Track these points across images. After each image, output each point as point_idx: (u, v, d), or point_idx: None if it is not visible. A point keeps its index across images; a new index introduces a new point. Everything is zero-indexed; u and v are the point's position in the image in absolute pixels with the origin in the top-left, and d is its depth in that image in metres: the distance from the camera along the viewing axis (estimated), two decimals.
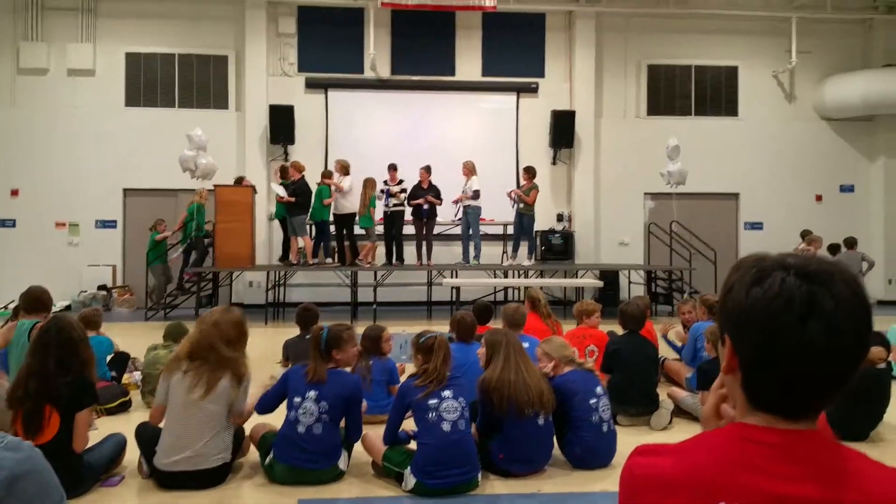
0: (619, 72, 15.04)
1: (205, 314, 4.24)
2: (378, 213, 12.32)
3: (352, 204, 11.99)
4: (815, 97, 15.28)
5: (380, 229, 12.51)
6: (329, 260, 12.15)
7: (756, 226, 15.25)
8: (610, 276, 13.12)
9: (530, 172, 12.48)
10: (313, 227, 12.38)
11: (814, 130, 15.36)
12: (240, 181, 12.48)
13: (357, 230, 12.23)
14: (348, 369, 4.44)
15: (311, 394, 4.06)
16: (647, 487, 1.02)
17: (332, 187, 11.79)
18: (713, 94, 15.26)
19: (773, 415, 1.01)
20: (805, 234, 12.58)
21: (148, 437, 4.05)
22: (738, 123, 15.23)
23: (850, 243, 12.24)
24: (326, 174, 11.98)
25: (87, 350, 3.97)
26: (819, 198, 15.39)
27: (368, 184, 12.03)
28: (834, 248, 12.34)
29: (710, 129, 14.99)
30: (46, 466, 0.87)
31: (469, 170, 12.20)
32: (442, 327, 5.79)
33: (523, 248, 12.77)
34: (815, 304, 0.95)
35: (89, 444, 3.97)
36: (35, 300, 5.45)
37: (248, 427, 4.40)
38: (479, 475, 4.08)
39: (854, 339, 0.96)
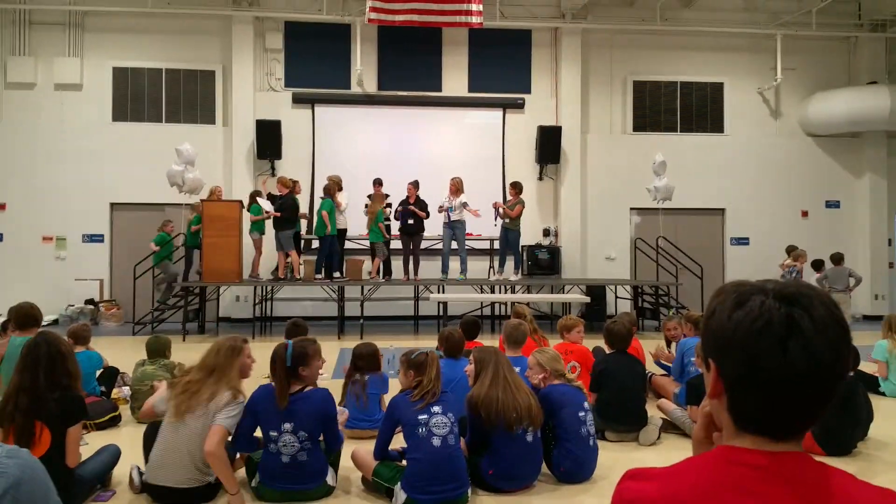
0: (605, 88, 15.19)
1: (221, 341, 4.17)
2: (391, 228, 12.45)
3: (345, 220, 12.03)
4: (801, 113, 15.48)
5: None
6: (336, 274, 12.06)
7: (742, 241, 15.38)
8: (597, 291, 13.17)
9: (517, 188, 12.54)
10: (313, 243, 12.28)
11: (799, 146, 15.55)
12: (255, 195, 12.29)
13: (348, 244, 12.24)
14: (320, 384, 4.39)
15: (287, 426, 3.96)
16: None
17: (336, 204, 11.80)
18: (699, 110, 15.43)
19: (758, 436, 1.02)
20: (790, 250, 12.68)
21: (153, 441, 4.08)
22: (723, 139, 15.39)
23: (837, 259, 12.30)
24: (329, 190, 11.91)
25: (74, 365, 3.97)
26: (805, 213, 15.55)
27: (377, 198, 12.08)
28: (818, 264, 12.38)
29: (695, 145, 15.15)
30: (44, 472, 0.88)
31: (456, 187, 12.22)
32: (429, 342, 5.81)
33: (509, 263, 12.81)
34: (794, 326, 0.98)
35: (81, 459, 3.96)
36: (25, 316, 5.45)
37: None
38: (469, 491, 4.07)
39: (832, 358, 0.98)
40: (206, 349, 4.14)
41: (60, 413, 3.77)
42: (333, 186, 11.84)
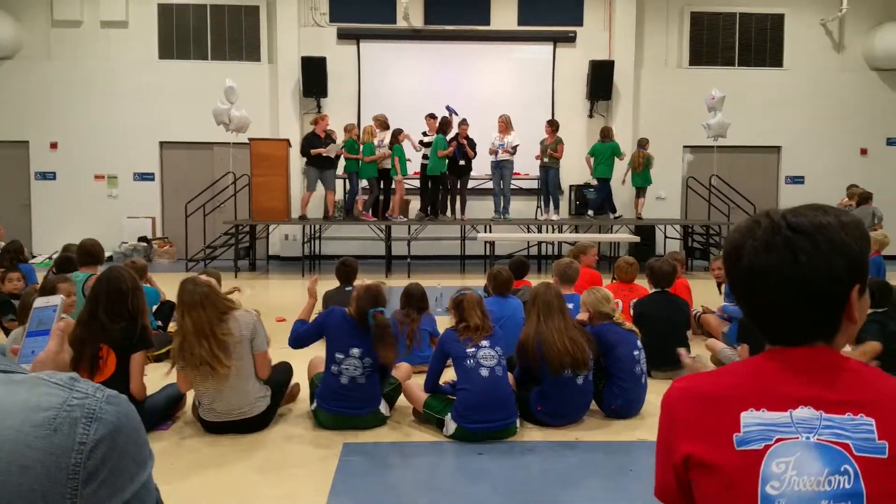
0: (660, 20, 14.60)
1: (181, 293, 4.08)
2: (412, 166, 12.22)
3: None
4: (866, 46, 14.70)
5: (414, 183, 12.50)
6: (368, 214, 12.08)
7: (797, 180, 14.89)
8: (646, 231, 12.96)
9: (553, 125, 12.31)
10: (353, 182, 12.24)
11: (862, 81, 14.82)
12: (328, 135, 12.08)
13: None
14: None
15: (355, 351, 4.12)
16: (683, 401, 1.17)
17: (375, 143, 11.72)
18: (758, 43, 14.76)
19: (775, 344, 1.17)
20: (850, 189, 12.22)
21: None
22: (782, 74, 14.75)
23: (865, 198, 11.86)
24: (369, 131, 11.82)
25: (139, 298, 4.08)
26: (864, 151, 14.93)
27: (394, 135, 11.91)
28: (861, 201, 11.94)
29: (753, 80, 14.55)
30: (140, 422, 0.87)
31: (506, 125, 12.03)
32: (474, 282, 5.81)
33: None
34: (771, 243, 1.13)
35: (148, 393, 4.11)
36: (86, 254, 5.67)
37: (305, 363, 4.56)
38: (518, 422, 4.13)
39: (822, 267, 1.10)
40: (178, 307, 4.06)
41: (125, 340, 3.92)
42: (398, 133, 11.78)
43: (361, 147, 11.70)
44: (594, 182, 13.02)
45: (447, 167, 11.97)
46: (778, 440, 1.07)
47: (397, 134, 11.79)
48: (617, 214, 12.93)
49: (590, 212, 12.93)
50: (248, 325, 4.03)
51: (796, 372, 1.12)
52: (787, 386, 1.11)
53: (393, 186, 12.15)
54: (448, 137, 11.79)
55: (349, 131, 11.88)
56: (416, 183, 12.51)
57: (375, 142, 11.73)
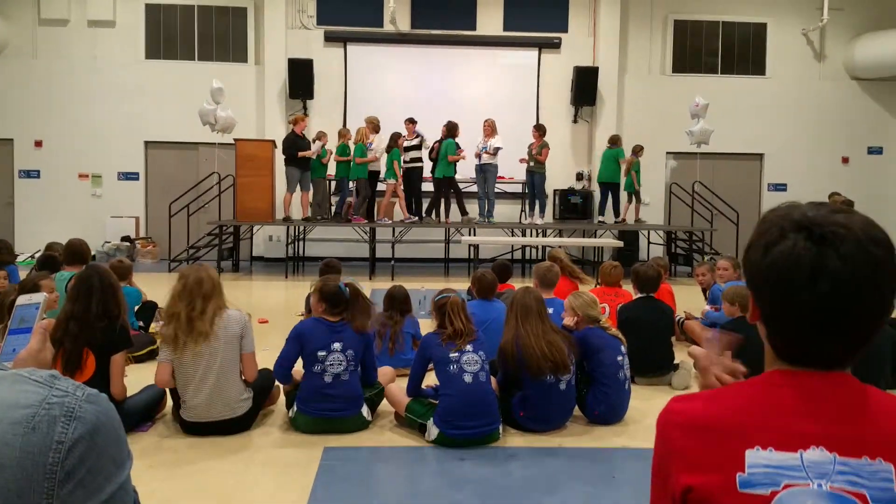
0: (644, 27, 14.73)
1: (183, 271, 4.20)
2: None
3: (380, 162, 11.97)
4: (846, 56, 14.91)
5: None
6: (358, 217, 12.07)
7: (780, 187, 15.05)
8: (629, 236, 13.05)
9: (540, 130, 12.41)
10: (343, 186, 12.21)
11: (843, 90, 15.03)
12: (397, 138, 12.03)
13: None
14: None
15: (336, 346, 4.13)
16: (681, 428, 1.06)
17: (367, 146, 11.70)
18: (741, 51, 14.92)
19: (797, 366, 1.06)
20: (832, 196, 12.39)
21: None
22: (765, 82, 14.92)
23: (848, 204, 12.03)
24: (363, 132, 11.78)
25: (122, 297, 4.11)
26: (846, 160, 15.13)
27: (393, 139, 11.90)
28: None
29: (735, 88, 14.71)
30: (120, 422, 0.86)
31: (491, 129, 12.09)
32: (459, 284, 5.83)
33: (538, 206, 12.74)
34: (821, 267, 0.99)
35: (126, 391, 4.09)
36: (74, 253, 5.66)
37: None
38: (501, 428, 4.13)
39: (858, 295, 0.99)
40: (178, 282, 4.08)
41: (105, 341, 3.91)
42: (397, 137, 11.79)
43: (353, 148, 11.67)
44: (579, 187, 13.09)
45: (432, 171, 12.02)
46: (786, 486, 0.97)
47: (396, 138, 11.80)
48: (619, 218, 13.03)
49: (600, 216, 13.06)
50: (239, 322, 4.05)
51: (811, 403, 1.01)
52: (798, 420, 1.00)
53: (383, 189, 12.16)
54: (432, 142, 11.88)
55: (343, 136, 11.87)
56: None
57: (367, 143, 11.69)
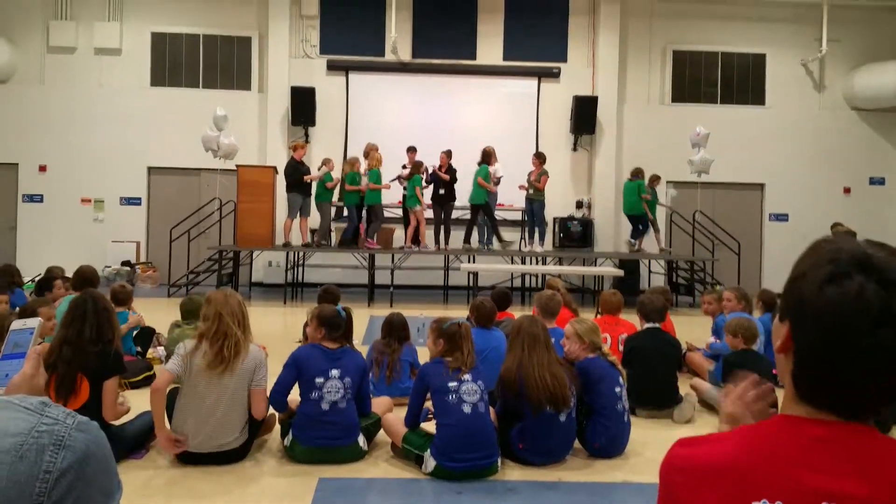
0: (643, 57, 14.86)
1: (212, 294, 4.21)
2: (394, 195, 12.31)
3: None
4: (846, 86, 15.01)
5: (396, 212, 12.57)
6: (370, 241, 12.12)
7: (781, 217, 15.06)
8: (630, 265, 13.03)
9: (540, 158, 12.46)
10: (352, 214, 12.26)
11: (843, 121, 15.10)
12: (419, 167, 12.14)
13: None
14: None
15: (335, 372, 4.11)
16: (681, 476, 0.99)
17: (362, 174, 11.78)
18: (740, 81, 15.04)
19: (820, 410, 0.96)
20: (835, 227, 12.38)
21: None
22: (765, 112, 15.01)
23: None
24: (377, 158, 11.82)
25: (116, 322, 4.11)
26: (847, 190, 15.15)
27: (415, 166, 12.00)
28: None
29: (735, 118, 14.79)
30: (110, 451, 0.85)
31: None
32: (458, 312, 5.79)
33: (537, 234, 12.75)
34: (890, 315, 0.90)
35: (119, 416, 4.06)
36: (84, 280, 5.73)
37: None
38: (499, 461, 4.05)
39: None
40: (215, 305, 4.04)
41: (99, 366, 3.89)
42: (419, 165, 11.94)
43: (368, 174, 11.70)
44: (579, 215, 13.07)
45: (432, 198, 12.05)
46: None
47: (418, 166, 11.86)
48: (636, 248, 13.03)
49: (634, 244, 13.07)
50: (256, 358, 4.04)
51: (829, 455, 0.93)
52: (813, 473, 0.92)
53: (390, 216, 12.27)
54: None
55: (352, 165, 11.92)
56: (399, 212, 12.58)
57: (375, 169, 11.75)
